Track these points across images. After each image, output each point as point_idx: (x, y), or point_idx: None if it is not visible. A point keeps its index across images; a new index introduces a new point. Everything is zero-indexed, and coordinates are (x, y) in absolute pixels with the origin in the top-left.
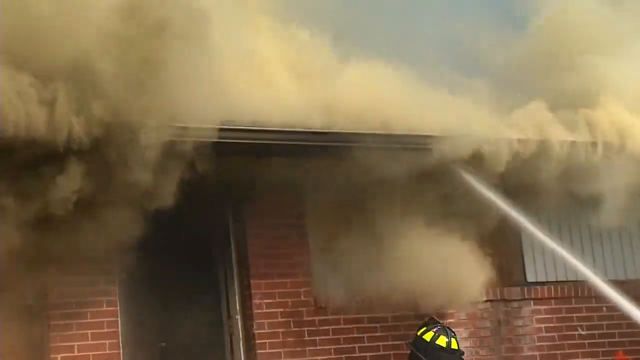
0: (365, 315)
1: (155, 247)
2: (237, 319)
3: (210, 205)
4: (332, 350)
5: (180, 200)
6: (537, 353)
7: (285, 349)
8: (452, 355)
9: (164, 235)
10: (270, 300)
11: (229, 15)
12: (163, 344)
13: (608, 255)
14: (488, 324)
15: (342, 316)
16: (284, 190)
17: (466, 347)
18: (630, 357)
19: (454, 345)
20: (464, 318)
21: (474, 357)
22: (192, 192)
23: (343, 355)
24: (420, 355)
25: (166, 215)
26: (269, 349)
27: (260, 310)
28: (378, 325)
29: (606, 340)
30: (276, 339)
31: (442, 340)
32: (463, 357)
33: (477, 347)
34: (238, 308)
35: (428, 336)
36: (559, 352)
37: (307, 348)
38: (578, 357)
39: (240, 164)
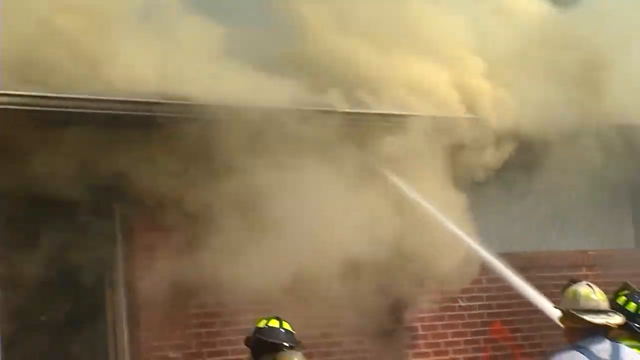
0: None
1: None
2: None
3: None
4: None
5: None
6: (418, 324)
7: None
8: None
9: None
10: None
11: None
12: None
13: (494, 228)
14: None
15: None
16: None
17: None
18: (506, 327)
19: None
20: None
21: None
22: None
23: None
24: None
25: None
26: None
27: None
28: None
29: (485, 312)
30: None
31: None
32: None
33: None
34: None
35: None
36: (439, 322)
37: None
38: (458, 328)
39: None
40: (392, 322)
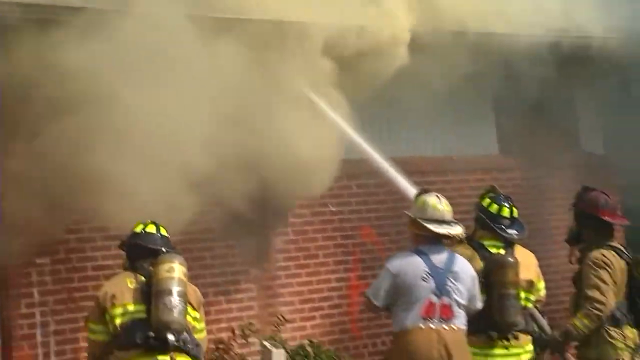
0: None
1: None
2: None
3: None
4: None
5: None
6: (289, 229)
7: None
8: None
9: None
10: None
11: None
12: None
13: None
14: None
15: None
16: None
17: None
18: (375, 230)
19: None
20: None
21: None
22: None
23: None
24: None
25: None
26: None
27: None
28: None
29: (354, 216)
30: None
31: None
32: None
33: None
34: None
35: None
36: (309, 227)
37: None
38: (328, 232)
39: None
40: (262, 227)
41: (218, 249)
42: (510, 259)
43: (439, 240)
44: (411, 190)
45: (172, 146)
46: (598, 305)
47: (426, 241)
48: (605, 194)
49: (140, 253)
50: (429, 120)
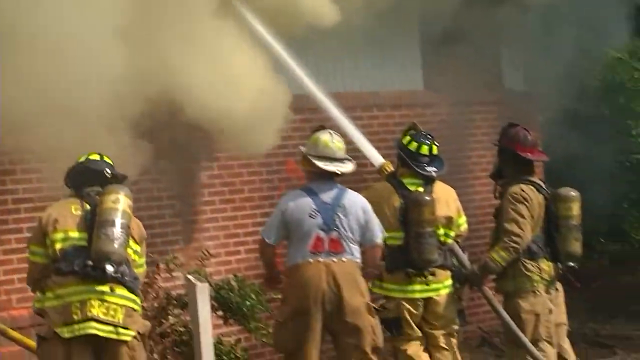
0: None
1: None
2: None
3: None
4: None
5: None
6: (214, 164)
7: None
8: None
9: None
10: None
11: None
12: None
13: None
14: None
15: None
16: None
17: None
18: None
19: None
20: None
21: None
22: None
23: None
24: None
25: None
26: None
27: None
28: None
29: (280, 152)
30: None
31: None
32: None
33: None
34: None
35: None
36: (234, 162)
37: None
38: (253, 167)
39: None
40: (187, 162)
41: (143, 182)
42: (426, 197)
43: (330, 177)
44: (349, 127)
45: (92, 79)
46: (515, 239)
47: (317, 178)
48: (526, 130)
49: (85, 179)
50: (354, 55)
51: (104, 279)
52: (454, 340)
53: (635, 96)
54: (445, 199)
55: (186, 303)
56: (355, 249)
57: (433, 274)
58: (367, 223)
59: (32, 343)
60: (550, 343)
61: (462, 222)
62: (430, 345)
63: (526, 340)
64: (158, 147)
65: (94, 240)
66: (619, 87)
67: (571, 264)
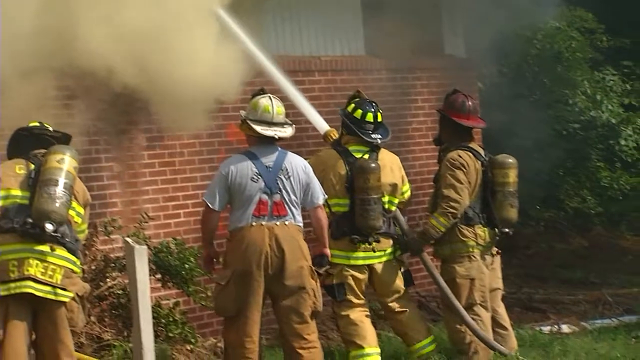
0: None
1: None
2: None
3: None
4: None
5: None
6: (153, 126)
7: None
8: None
9: None
10: None
11: None
12: None
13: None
14: None
15: None
16: None
17: None
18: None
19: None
20: None
21: None
22: None
23: None
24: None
25: None
26: None
27: None
28: None
29: (221, 115)
30: None
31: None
32: None
33: None
34: None
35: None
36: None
37: None
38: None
39: None
40: (127, 123)
41: (80, 143)
42: (372, 164)
43: (271, 141)
44: (293, 92)
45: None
46: (453, 204)
47: (258, 142)
48: (466, 97)
49: (29, 144)
50: (296, 19)
51: (43, 238)
52: (406, 300)
53: (572, 66)
54: (390, 166)
55: (124, 266)
56: (298, 213)
57: (377, 241)
58: (309, 185)
59: None
60: (484, 307)
61: (406, 190)
62: (387, 312)
63: (460, 306)
64: (96, 108)
65: (35, 199)
66: (557, 56)
67: (506, 230)
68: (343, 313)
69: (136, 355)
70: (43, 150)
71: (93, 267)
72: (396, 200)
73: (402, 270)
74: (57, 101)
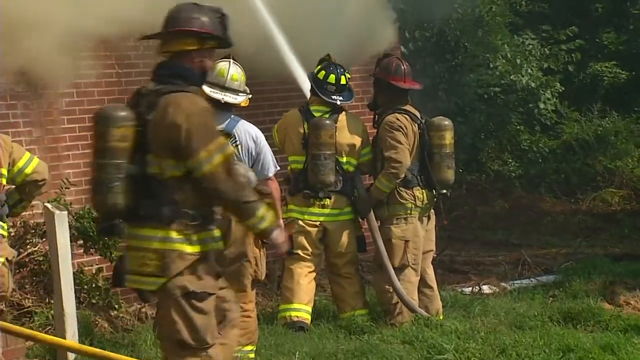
0: None
1: None
2: None
3: None
4: None
5: None
6: (73, 90)
7: None
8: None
9: None
10: None
11: None
12: None
13: None
14: None
15: None
16: None
17: None
18: None
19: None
20: None
21: None
22: None
23: None
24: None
25: None
26: None
27: None
28: None
29: (141, 79)
30: None
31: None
32: None
33: None
34: None
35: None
36: (95, 89)
37: None
38: (114, 94)
39: None
40: (46, 87)
41: None
42: (325, 122)
43: (226, 107)
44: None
45: None
46: (395, 165)
47: (213, 106)
48: (400, 60)
49: None
50: None
51: None
52: (354, 268)
53: (493, 30)
54: (352, 128)
55: (45, 232)
56: None
57: (328, 197)
58: (258, 155)
59: None
60: (415, 270)
61: (366, 152)
62: (332, 274)
63: (391, 268)
64: (16, 72)
65: None
66: (478, 20)
67: (444, 191)
68: (289, 266)
69: (58, 321)
70: None
71: (12, 234)
72: (355, 162)
73: (356, 235)
74: None
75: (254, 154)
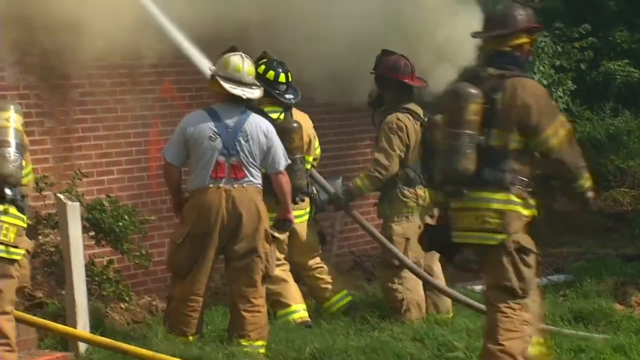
0: None
1: None
2: None
3: None
4: None
5: None
6: (86, 81)
7: None
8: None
9: None
10: None
11: None
12: None
13: None
14: None
15: None
16: None
17: None
18: (175, 86)
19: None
20: None
21: None
22: None
23: None
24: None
25: None
26: None
27: None
28: None
29: (153, 70)
30: None
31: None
32: None
33: None
34: None
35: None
36: (107, 80)
37: None
38: (125, 85)
39: None
40: (59, 78)
41: (9, 97)
42: (294, 124)
43: (237, 101)
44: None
45: None
46: (381, 170)
47: (223, 100)
48: (405, 58)
49: None
50: None
51: (3, 201)
52: (319, 259)
53: None
54: (306, 126)
55: (57, 223)
56: (257, 175)
57: (302, 201)
58: (269, 149)
59: None
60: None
61: (317, 146)
62: (302, 271)
63: (411, 263)
64: (28, 63)
65: None
66: None
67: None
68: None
69: (69, 312)
70: None
71: None
72: (311, 159)
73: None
74: None
75: (265, 147)
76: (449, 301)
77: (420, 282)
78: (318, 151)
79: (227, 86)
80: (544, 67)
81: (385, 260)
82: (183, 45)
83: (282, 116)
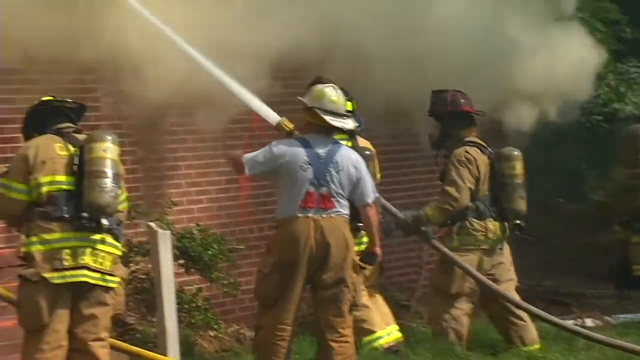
0: None
1: None
2: None
3: None
4: None
5: None
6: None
7: None
8: None
9: None
10: None
11: None
12: None
13: None
14: None
15: None
16: None
17: None
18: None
19: None
20: None
21: None
22: None
23: None
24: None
25: None
26: None
27: None
28: None
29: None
30: None
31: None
32: None
33: None
34: None
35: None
36: None
37: None
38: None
39: None
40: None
41: (105, 127)
42: (367, 152)
43: (329, 132)
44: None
45: None
46: (451, 202)
47: (315, 131)
48: (459, 92)
49: (51, 117)
50: None
51: (100, 231)
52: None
53: None
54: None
55: (148, 251)
56: (345, 205)
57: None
58: (359, 181)
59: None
60: (470, 301)
61: (379, 172)
62: None
63: (498, 289)
64: (120, 93)
65: (87, 191)
66: None
67: (518, 221)
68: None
69: (160, 340)
70: (69, 125)
71: None
72: None
73: None
74: (81, 85)
75: (354, 179)
76: (534, 332)
77: (468, 314)
78: (380, 176)
79: (328, 118)
80: (636, 98)
81: (438, 287)
82: (252, 103)
83: (348, 143)
